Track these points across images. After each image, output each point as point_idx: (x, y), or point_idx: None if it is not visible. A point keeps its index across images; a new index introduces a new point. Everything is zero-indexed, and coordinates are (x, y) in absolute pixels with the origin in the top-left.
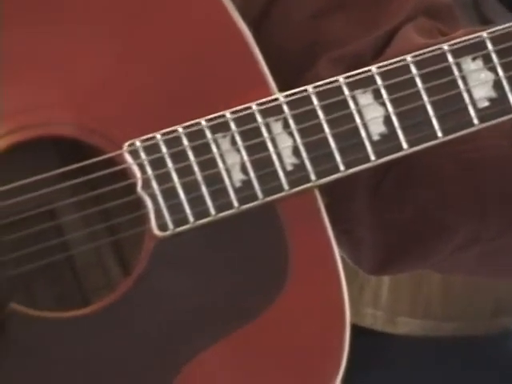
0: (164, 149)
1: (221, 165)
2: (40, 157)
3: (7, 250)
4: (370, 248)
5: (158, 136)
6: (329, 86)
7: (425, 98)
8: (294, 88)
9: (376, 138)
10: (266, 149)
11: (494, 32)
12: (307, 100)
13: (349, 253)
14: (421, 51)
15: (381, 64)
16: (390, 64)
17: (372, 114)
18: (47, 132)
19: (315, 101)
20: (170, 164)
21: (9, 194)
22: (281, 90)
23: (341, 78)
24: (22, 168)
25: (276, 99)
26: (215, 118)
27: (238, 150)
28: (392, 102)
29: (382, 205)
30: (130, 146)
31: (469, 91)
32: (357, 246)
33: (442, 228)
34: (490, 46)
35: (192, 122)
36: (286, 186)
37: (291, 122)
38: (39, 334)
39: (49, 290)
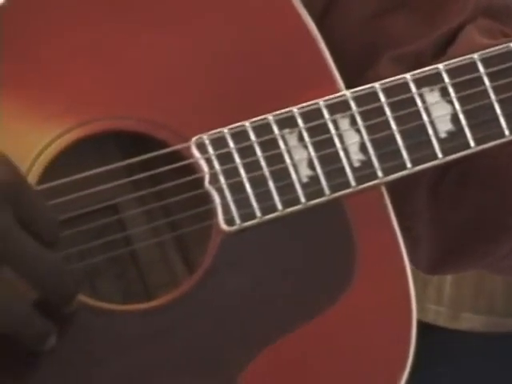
0: (231, 144)
1: (288, 160)
2: (103, 152)
3: (71, 243)
4: (427, 246)
5: (226, 131)
6: (396, 83)
7: (492, 96)
8: (353, 87)
9: (443, 135)
10: (333, 145)
11: None
12: (374, 97)
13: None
14: (488, 50)
15: (448, 62)
16: (457, 62)
17: (439, 112)
18: (113, 126)
19: (382, 98)
20: (237, 159)
21: (72, 187)
22: None
23: (408, 76)
24: (85, 163)
25: (343, 95)
26: (282, 113)
27: (306, 146)
28: (459, 100)
29: (441, 203)
30: (197, 140)
31: None
32: (415, 244)
33: (501, 228)
34: None
35: (259, 117)
36: (352, 183)
37: (358, 118)
38: (105, 326)
39: (114, 285)
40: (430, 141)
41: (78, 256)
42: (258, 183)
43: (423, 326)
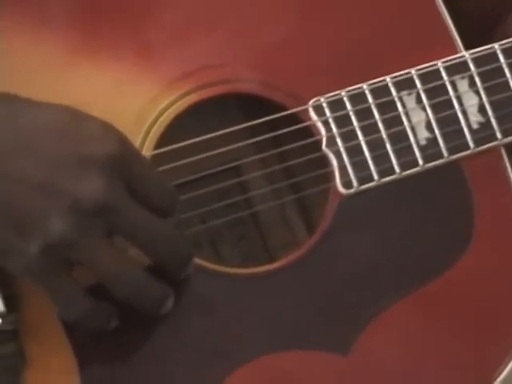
0: (349, 106)
1: (406, 122)
2: (225, 115)
3: (193, 205)
4: None
5: (343, 93)
6: None
7: None
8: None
9: None
10: (452, 107)
11: None
12: (494, 57)
13: None
14: None
15: None
16: None
17: None
18: (234, 89)
19: (502, 58)
20: (354, 121)
21: (194, 150)
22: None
23: None
24: (207, 125)
25: (462, 56)
26: (400, 75)
27: (424, 108)
28: None
29: None
30: (314, 102)
31: None
32: None
33: None
34: None
35: (377, 79)
36: (471, 145)
37: (477, 79)
38: (224, 290)
39: (235, 247)
40: None
41: (200, 219)
42: (376, 146)
43: None
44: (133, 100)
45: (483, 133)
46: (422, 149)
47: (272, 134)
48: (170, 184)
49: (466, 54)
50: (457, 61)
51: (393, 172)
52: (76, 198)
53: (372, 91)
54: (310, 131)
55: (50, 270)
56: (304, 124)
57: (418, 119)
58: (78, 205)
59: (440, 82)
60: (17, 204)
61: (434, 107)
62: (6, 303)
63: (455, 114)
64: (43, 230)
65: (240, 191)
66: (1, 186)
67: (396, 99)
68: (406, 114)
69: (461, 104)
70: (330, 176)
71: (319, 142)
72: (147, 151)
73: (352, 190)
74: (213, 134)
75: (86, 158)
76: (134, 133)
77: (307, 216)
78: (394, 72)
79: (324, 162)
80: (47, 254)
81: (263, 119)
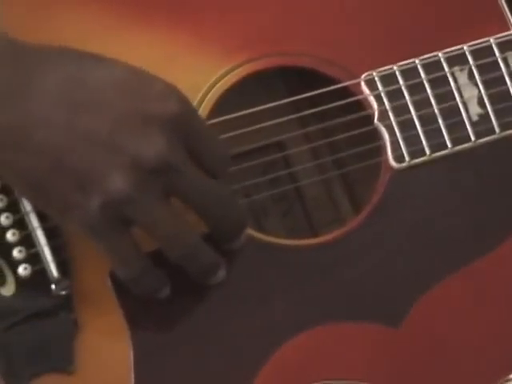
0: (401, 81)
1: (458, 98)
2: (270, 90)
3: (237, 180)
4: None
5: (395, 68)
6: None
7: None
8: None
9: None
10: (504, 83)
11: None
12: None
13: None
14: None
15: None
16: None
17: None
18: (283, 62)
19: None
20: (407, 96)
21: (239, 124)
22: None
23: None
24: (251, 100)
25: None
26: (453, 51)
27: (476, 84)
28: None
29: None
30: (367, 76)
31: None
32: None
33: None
34: None
35: (429, 54)
36: None
37: None
38: (275, 261)
39: (280, 222)
40: None
41: (244, 193)
42: (428, 121)
43: None
44: (186, 72)
45: None
46: (473, 124)
47: (320, 109)
48: (227, 149)
49: None
50: (509, 37)
51: (445, 147)
52: (137, 156)
53: (424, 66)
54: (360, 105)
55: (109, 226)
56: (356, 97)
57: (470, 95)
58: (139, 162)
59: (492, 59)
60: (79, 159)
61: (486, 83)
62: (60, 269)
63: (507, 90)
64: (103, 186)
65: (284, 166)
66: (63, 141)
67: (448, 74)
68: (458, 90)
69: None
70: (379, 151)
71: (366, 118)
72: None
73: (404, 164)
74: (257, 108)
75: (149, 116)
76: None
77: (352, 192)
78: (445, 47)
79: (369, 137)
80: (107, 210)
81: (312, 93)
